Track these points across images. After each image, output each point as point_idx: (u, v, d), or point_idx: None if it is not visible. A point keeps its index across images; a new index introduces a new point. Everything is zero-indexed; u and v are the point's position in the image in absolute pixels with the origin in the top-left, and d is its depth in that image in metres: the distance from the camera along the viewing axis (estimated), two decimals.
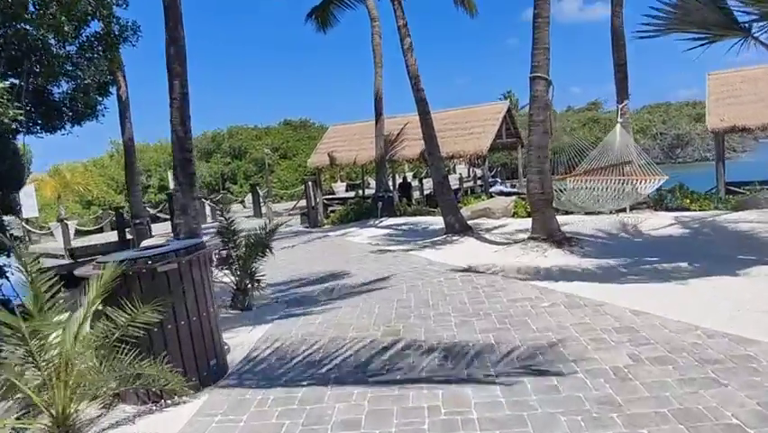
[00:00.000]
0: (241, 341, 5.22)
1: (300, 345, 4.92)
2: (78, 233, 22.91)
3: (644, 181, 11.92)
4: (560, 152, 12.28)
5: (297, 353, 4.71)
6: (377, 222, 15.49)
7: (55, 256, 21.49)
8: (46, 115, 10.94)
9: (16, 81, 10.44)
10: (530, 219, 13.33)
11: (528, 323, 5.01)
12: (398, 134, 20.02)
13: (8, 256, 13.20)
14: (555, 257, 7.99)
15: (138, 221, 14.37)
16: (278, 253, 11.30)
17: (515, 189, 21.53)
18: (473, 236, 10.71)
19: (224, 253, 6.31)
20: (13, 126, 8.73)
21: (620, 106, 12.95)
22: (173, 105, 7.21)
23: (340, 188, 34.12)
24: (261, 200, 24.33)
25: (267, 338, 5.27)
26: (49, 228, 23.64)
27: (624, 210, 12.19)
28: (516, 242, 9.30)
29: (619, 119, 12.69)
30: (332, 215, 18.14)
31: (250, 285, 6.08)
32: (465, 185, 27.36)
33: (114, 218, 19.04)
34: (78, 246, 20.56)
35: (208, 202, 28.13)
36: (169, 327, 4.01)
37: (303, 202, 18.05)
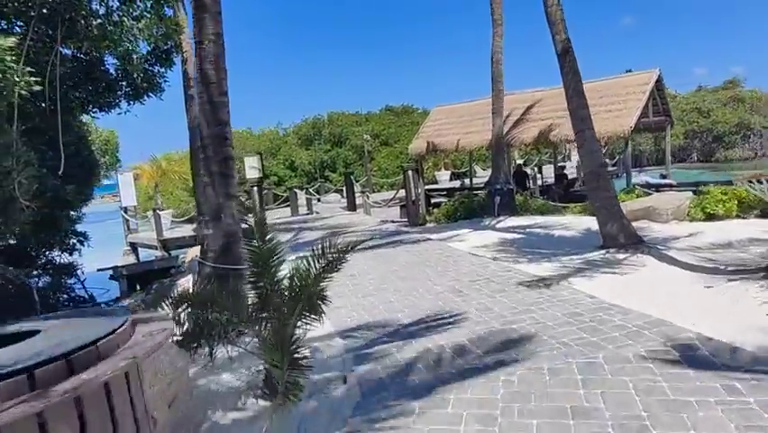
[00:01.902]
0: None
1: None
2: (177, 222, 22.34)
3: None
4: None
5: None
6: (494, 222, 12.27)
7: (149, 246, 20.98)
8: (95, 90, 9.17)
9: (60, 49, 8.63)
10: (713, 224, 9.58)
11: None
12: (526, 110, 16.31)
13: (70, 255, 12.04)
14: None
15: (203, 218, 12.27)
16: (364, 261, 8.64)
17: (667, 181, 17.04)
18: (651, 255, 7.13)
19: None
20: (21, 96, 6.78)
21: None
22: (200, 54, 4.69)
23: (443, 177, 30.99)
24: (357, 190, 21.93)
25: None
26: (146, 217, 23.37)
27: None
28: (738, 270, 5.71)
29: None
30: (435, 210, 15.16)
31: (287, 367, 3.29)
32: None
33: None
34: (170, 237, 19.83)
35: (304, 192, 26.48)
36: None
37: (402, 192, 15.26)
